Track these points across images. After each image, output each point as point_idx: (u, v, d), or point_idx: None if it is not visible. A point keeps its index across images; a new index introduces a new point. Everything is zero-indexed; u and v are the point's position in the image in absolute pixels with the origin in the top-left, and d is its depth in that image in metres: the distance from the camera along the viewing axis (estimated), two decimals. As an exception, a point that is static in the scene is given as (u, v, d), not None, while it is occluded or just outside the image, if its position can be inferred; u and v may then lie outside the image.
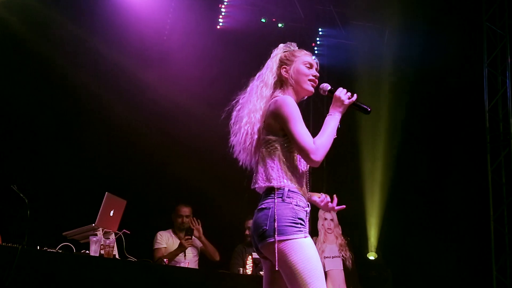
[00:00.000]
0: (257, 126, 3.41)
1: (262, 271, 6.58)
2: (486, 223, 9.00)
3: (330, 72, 9.24)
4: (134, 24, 8.50)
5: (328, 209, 3.68)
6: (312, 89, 3.57)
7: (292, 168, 3.35)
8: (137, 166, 8.43)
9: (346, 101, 3.47)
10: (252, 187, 3.46)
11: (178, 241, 7.03)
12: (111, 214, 5.70)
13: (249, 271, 6.57)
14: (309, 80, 3.55)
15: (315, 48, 10.37)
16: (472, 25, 9.49)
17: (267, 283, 3.47)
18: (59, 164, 7.75)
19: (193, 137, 8.70)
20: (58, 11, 7.91)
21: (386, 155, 9.59)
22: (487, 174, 9.10)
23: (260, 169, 3.38)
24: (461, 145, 9.46)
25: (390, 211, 9.48)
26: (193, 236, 7.11)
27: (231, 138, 3.54)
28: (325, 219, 7.09)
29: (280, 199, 3.27)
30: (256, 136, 3.41)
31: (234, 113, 3.58)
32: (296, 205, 3.27)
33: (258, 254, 3.46)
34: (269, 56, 3.70)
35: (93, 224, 5.47)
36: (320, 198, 3.64)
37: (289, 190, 3.29)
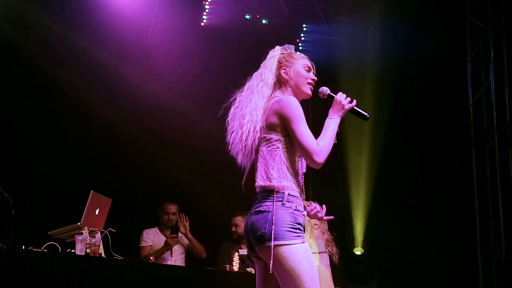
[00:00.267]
0: (259, 124, 3.40)
1: (249, 267, 6.63)
2: (471, 216, 9.05)
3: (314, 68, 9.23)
4: (118, 20, 8.44)
5: (316, 218, 3.71)
6: (310, 92, 3.60)
7: (292, 169, 3.36)
8: (122, 164, 8.40)
9: (347, 106, 3.50)
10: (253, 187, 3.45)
11: (165, 239, 7.02)
12: (97, 212, 5.67)
13: (235, 267, 6.58)
14: (308, 83, 3.58)
15: (300, 44, 10.36)
16: (455, 20, 9.53)
17: (260, 283, 3.48)
18: (43, 162, 7.70)
19: (178, 134, 8.69)
20: (39, 7, 7.84)
21: (372, 150, 9.62)
22: (472, 167, 9.15)
23: (260, 168, 3.38)
24: (446, 139, 9.51)
25: (376, 206, 9.51)
26: (179, 233, 7.11)
27: (229, 136, 3.52)
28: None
29: (280, 202, 3.27)
30: (258, 135, 3.40)
31: (232, 110, 3.57)
32: (295, 210, 3.29)
33: (251, 254, 3.47)
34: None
35: (79, 223, 5.44)
36: (310, 206, 3.68)
37: (289, 194, 3.30)
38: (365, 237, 9.62)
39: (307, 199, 4.44)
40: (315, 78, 3.61)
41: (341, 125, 3.50)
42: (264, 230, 3.24)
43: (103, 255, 5.43)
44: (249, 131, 3.40)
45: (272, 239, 3.20)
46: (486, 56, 9.37)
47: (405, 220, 9.46)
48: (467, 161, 9.22)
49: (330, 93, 3.59)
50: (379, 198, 9.34)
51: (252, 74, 3.64)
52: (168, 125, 8.73)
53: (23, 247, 4.82)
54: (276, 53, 3.65)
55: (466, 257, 9.07)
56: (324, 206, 3.69)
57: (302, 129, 3.31)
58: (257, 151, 3.42)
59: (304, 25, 10.49)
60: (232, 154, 3.53)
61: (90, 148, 8.13)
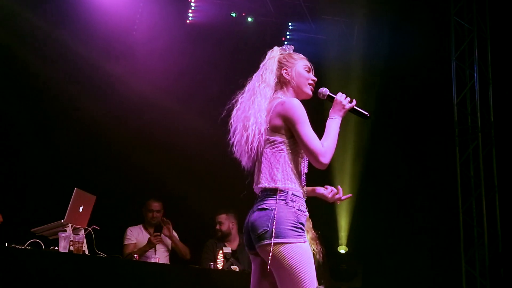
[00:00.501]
0: (263, 126, 3.40)
1: (233, 265, 6.62)
2: (455, 215, 9.09)
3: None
4: (103, 17, 8.41)
5: (335, 200, 3.78)
6: (311, 93, 3.62)
7: (296, 170, 3.38)
8: (106, 161, 8.37)
9: (347, 106, 3.55)
10: (254, 187, 3.47)
11: (149, 236, 7.01)
12: (81, 210, 5.65)
13: (220, 265, 6.57)
14: (309, 83, 3.60)
15: (285, 43, 10.35)
16: (440, 19, 9.56)
17: (256, 280, 3.48)
18: (27, 159, 7.66)
19: (162, 131, 8.67)
20: (24, 5, 7.80)
21: (356, 149, 9.63)
22: (456, 167, 9.19)
23: (264, 170, 3.38)
24: (430, 138, 9.54)
25: (360, 204, 9.52)
26: (162, 234, 7.11)
27: (232, 138, 3.52)
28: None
29: (283, 201, 3.29)
30: (263, 137, 3.40)
31: (234, 112, 3.57)
32: (298, 210, 3.30)
33: (248, 251, 3.48)
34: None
35: (62, 220, 5.41)
36: (327, 190, 3.76)
37: (292, 194, 3.31)
38: (349, 236, 9.63)
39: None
40: (315, 79, 3.64)
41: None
42: (266, 228, 3.25)
43: (86, 252, 5.41)
44: (254, 133, 3.40)
45: (273, 237, 3.21)
46: (470, 56, 9.40)
47: (389, 219, 9.48)
48: (451, 160, 9.26)
49: (330, 94, 3.63)
50: (363, 196, 9.34)
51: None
52: (152, 122, 8.72)
53: (6, 244, 4.80)
54: (275, 53, 3.64)
55: (449, 256, 9.11)
56: (339, 187, 3.77)
57: (307, 131, 3.34)
58: (261, 153, 3.43)
59: (290, 24, 10.48)
60: (236, 156, 3.52)
61: (74, 145, 8.10)
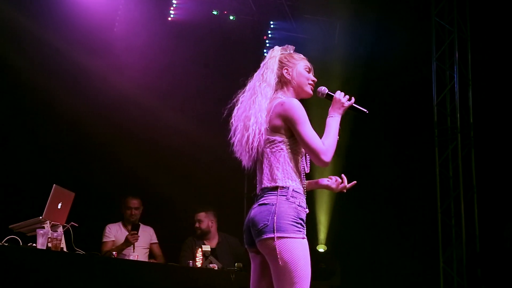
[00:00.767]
0: (264, 126, 3.43)
1: (211, 263, 6.62)
2: (433, 215, 9.14)
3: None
4: (84, 13, 8.35)
5: (341, 189, 3.85)
6: (311, 92, 3.67)
7: (296, 169, 3.43)
8: (85, 158, 8.32)
9: (346, 104, 3.66)
10: (257, 187, 3.49)
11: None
12: (59, 206, 5.61)
13: (198, 263, 6.56)
14: (309, 83, 3.65)
15: (267, 41, 10.37)
16: (422, 20, 9.60)
17: (256, 280, 3.49)
18: (4, 155, 7.59)
19: (141, 128, 8.65)
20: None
21: (336, 148, 9.63)
22: (435, 167, 9.23)
23: (265, 169, 3.43)
24: (410, 138, 9.58)
25: (339, 204, 9.55)
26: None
27: (233, 138, 3.55)
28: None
29: (284, 197, 3.33)
30: (263, 137, 3.43)
31: (235, 112, 3.60)
32: (299, 205, 3.36)
33: (249, 249, 3.50)
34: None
35: (41, 217, 5.38)
36: (331, 181, 3.83)
37: (293, 190, 3.36)
38: (328, 235, 9.66)
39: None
40: (315, 79, 3.70)
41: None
42: (266, 222, 3.28)
43: (65, 249, 5.38)
44: (255, 133, 3.42)
45: (276, 231, 3.24)
46: (451, 57, 9.44)
47: (368, 218, 9.52)
48: (430, 160, 9.30)
49: (329, 92, 3.70)
50: (342, 196, 9.30)
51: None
52: (132, 119, 8.68)
53: (-17, 240, 4.76)
54: (276, 53, 3.68)
55: (427, 255, 9.16)
56: (343, 175, 3.86)
57: (308, 131, 3.39)
58: (261, 152, 3.46)
59: (271, 22, 10.50)
60: (236, 156, 3.55)
61: (53, 141, 8.03)
